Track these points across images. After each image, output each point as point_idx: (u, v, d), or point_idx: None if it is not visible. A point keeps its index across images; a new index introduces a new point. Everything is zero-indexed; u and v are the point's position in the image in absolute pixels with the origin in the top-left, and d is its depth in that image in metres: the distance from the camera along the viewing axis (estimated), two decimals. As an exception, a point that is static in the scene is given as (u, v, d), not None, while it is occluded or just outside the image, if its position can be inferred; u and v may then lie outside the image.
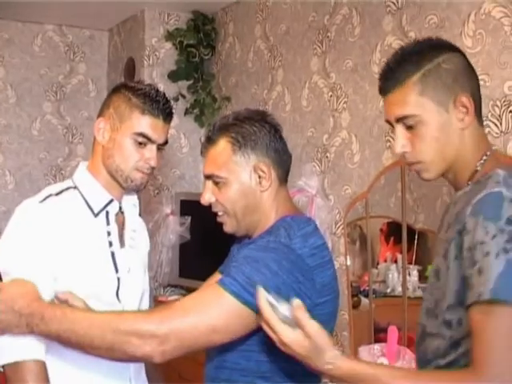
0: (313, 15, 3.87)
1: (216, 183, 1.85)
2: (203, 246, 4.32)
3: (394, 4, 3.28)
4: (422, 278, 3.09)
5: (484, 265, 1.38)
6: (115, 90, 2.01)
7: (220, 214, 1.88)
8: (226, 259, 2.09)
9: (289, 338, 1.46)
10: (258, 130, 1.84)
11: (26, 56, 5.37)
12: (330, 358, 1.46)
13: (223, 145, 1.84)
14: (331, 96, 3.69)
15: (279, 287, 1.63)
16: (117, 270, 1.97)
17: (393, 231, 3.33)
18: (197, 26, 4.90)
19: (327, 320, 1.73)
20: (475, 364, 1.37)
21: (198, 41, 4.90)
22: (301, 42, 3.97)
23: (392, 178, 3.16)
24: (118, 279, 1.96)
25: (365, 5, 3.48)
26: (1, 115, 5.28)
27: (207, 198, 1.86)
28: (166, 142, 1.99)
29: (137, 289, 2.06)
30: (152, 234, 2.92)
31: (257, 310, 1.55)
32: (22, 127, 5.35)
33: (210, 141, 1.87)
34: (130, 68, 5.13)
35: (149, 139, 1.93)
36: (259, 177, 1.83)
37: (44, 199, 1.90)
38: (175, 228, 4.41)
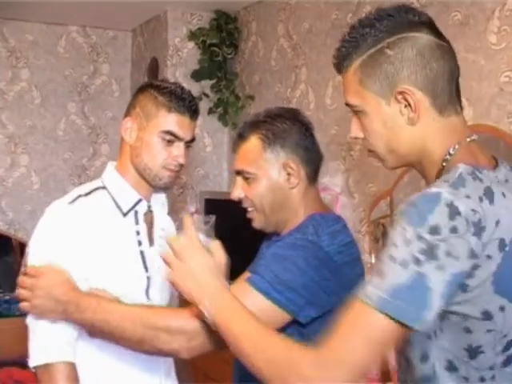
0: (336, 13, 3.87)
1: (246, 179, 1.89)
2: (228, 245, 4.31)
3: (418, 1, 3.27)
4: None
5: (386, 269, 1.24)
6: (141, 90, 2.02)
7: (250, 209, 1.92)
8: (256, 258, 2.09)
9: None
10: (289, 127, 1.86)
11: (50, 57, 5.42)
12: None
13: (254, 141, 1.87)
14: (355, 94, 3.68)
15: (307, 284, 1.66)
16: (146, 269, 1.98)
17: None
18: (219, 25, 4.91)
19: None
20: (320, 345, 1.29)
21: (221, 40, 4.91)
22: (324, 40, 3.97)
23: (416, 175, 3.13)
24: (148, 278, 1.97)
25: (388, 3, 3.46)
26: (26, 116, 5.33)
27: (237, 193, 1.93)
28: (193, 139, 2.00)
29: (166, 288, 2.07)
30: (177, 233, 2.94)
31: (285, 308, 1.58)
32: (47, 128, 5.40)
33: (241, 137, 1.92)
34: (154, 68, 5.16)
35: (176, 137, 1.94)
36: (288, 174, 1.85)
37: (73, 200, 1.93)
38: (200, 227, 4.42)
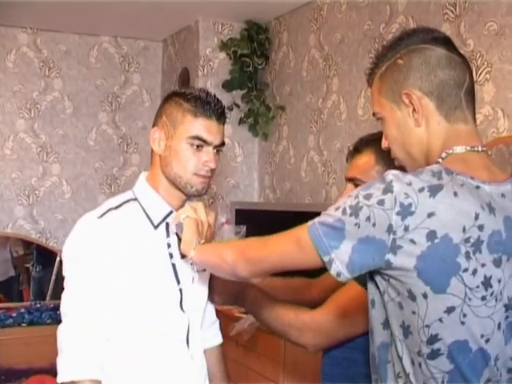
0: (368, 24, 3.86)
1: (356, 186, 1.99)
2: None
3: (452, 12, 3.26)
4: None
5: (328, 209, 1.49)
6: (166, 99, 2.01)
7: None
8: None
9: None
10: None
11: (82, 67, 5.47)
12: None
13: (368, 155, 2.02)
14: (388, 105, 3.67)
15: None
16: (178, 282, 1.96)
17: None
18: (250, 35, 4.93)
19: None
20: None
21: (252, 50, 4.92)
22: (356, 50, 3.96)
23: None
24: (181, 290, 1.95)
25: (422, 13, 3.46)
26: (58, 126, 5.37)
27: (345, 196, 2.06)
28: (222, 144, 1.97)
29: (201, 299, 2.06)
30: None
31: None
32: (79, 137, 5.44)
33: (357, 150, 2.07)
34: (185, 78, 5.18)
35: (204, 141, 1.91)
36: None
37: (103, 214, 1.91)
38: (230, 237, 4.41)
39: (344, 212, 1.41)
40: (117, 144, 5.57)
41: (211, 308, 2.22)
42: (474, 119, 1.57)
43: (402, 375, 1.46)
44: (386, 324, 1.49)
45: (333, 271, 1.42)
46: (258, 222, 4.41)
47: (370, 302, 1.53)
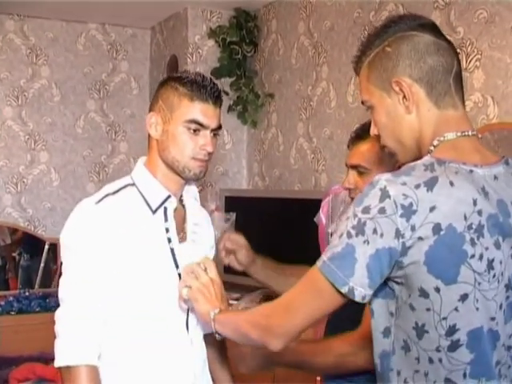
0: (358, 11, 3.87)
1: (360, 173, 2.06)
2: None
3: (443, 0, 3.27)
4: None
5: (332, 240, 1.47)
6: (162, 83, 2.01)
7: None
8: None
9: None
10: None
11: (70, 55, 5.44)
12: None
13: (373, 142, 1.96)
14: (377, 92, 3.68)
15: None
16: (177, 266, 1.97)
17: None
18: (239, 23, 4.92)
19: None
20: None
21: (241, 38, 4.92)
22: (346, 38, 3.97)
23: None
24: (179, 275, 1.96)
25: (411, 1, 3.47)
26: (46, 113, 5.35)
27: (349, 184, 2.10)
28: (219, 127, 1.98)
29: None
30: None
31: None
32: (67, 125, 5.42)
33: (359, 137, 2.08)
34: (173, 65, 5.17)
35: (201, 125, 1.91)
36: None
37: (100, 200, 1.92)
38: (220, 224, 4.42)
39: (349, 235, 1.41)
40: (105, 132, 5.56)
41: None
42: (463, 104, 1.58)
43: (409, 381, 1.47)
44: (387, 332, 1.49)
45: (357, 298, 1.42)
46: (248, 209, 4.43)
47: (370, 312, 1.52)
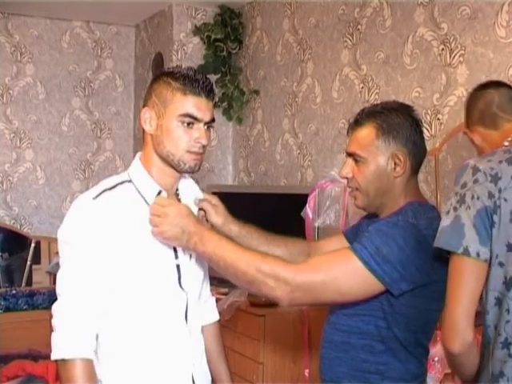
0: (342, 8, 3.91)
1: (356, 161, 2.04)
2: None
3: (426, -5, 3.32)
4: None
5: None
6: (155, 79, 2.02)
7: (353, 189, 2.09)
8: (353, 226, 2.32)
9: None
10: (402, 121, 2.02)
11: (54, 52, 5.45)
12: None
13: (369, 129, 2.02)
14: (362, 87, 3.73)
15: (402, 261, 1.85)
16: (176, 257, 2.00)
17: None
18: (224, 20, 4.95)
19: (439, 297, 1.91)
20: None
21: (226, 35, 4.95)
22: (331, 34, 4.01)
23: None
24: (178, 266, 1.99)
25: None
26: (31, 111, 5.36)
27: (345, 172, 2.07)
28: (213, 120, 1.99)
29: (199, 275, 2.10)
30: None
31: (381, 279, 1.84)
32: (52, 123, 5.43)
33: (357, 123, 2.06)
34: (159, 63, 5.19)
35: (195, 118, 1.93)
36: (395, 163, 2.01)
37: (98, 195, 1.93)
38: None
39: (455, 209, 1.78)
40: (90, 129, 5.57)
41: (206, 285, 2.26)
42: None
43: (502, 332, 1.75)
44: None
45: (473, 254, 1.73)
46: (234, 204, 4.45)
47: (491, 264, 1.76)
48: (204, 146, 1.96)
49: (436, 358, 2.45)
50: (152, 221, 1.92)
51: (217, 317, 2.32)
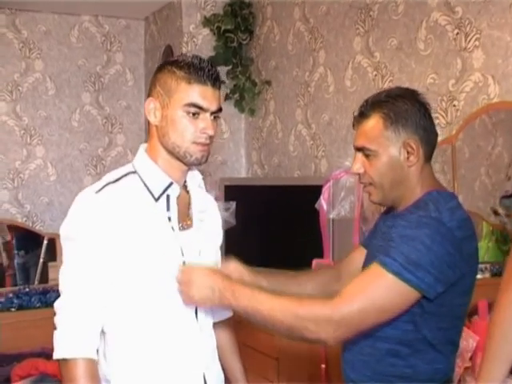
0: (354, -6, 3.82)
1: (366, 156, 1.95)
2: (249, 232, 4.29)
3: (440, -21, 3.22)
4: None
5: None
6: (159, 68, 1.95)
7: (366, 185, 1.99)
8: (372, 233, 2.20)
9: None
10: (410, 108, 1.92)
11: (63, 48, 5.39)
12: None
13: (376, 120, 1.92)
14: (376, 75, 3.64)
15: (433, 261, 1.75)
16: (182, 254, 1.93)
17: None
18: (234, 10, 4.87)
19: (470, 290, 1.88)
20: None
21: (236, 26, 4.87)
22: (342, 22, 3.92)
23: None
24: (184, 263, 1.92)
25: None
26: (41, 107, 5.30)
27: (356, 168, 1.97)
28: (220, 109, 1.92)
29: None
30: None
31: (417, 287, 1.74)
32: (62, 119, 5.38)
33: (362, 115, 1.96)
34: (169, 55, 5.12)
35: (200, 108, 1.86)
36: (407, 152, 1.92)
37: (101, 189, 1.87)
38: (220, 213, 4.38)
39: None
40: (101, 124, 5.52)
41: None
42: None
43: None
44: None
45: None
46: (248, 197, 4.39)
47: None
48: (211, 137, 1.89)
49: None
50: (180, 291, 1.88)
51: (230, 313, 2.25)
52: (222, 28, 4.87)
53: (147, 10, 5.44)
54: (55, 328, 1.83)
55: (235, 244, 4.45)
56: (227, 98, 4.94)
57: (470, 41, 3.05)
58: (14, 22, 5.22)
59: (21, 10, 5.20)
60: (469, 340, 2.55)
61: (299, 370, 3.36)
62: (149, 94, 1.94)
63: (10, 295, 4.68)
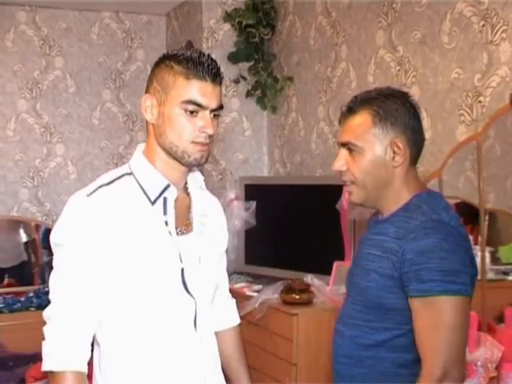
0: (377, -13, 3.69)
1: (350, 151, 1.90)
2: (270, 232, 4.20)
3: (465, -31, 3.08)
4: (494, 259, 2.93)
5: None
6: (157, 63, 1.83)
7: (347, 183, 1.94)
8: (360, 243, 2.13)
9: None
10: (399, 107, 1.89)
11: (83, 45, 5.33)
12: None
13: (364, 116, 1.88)
14: (399, 70, 3.51)
15: (454, 262, 1.75)
16: (180, 261, 1.82)
17: (462, 212, 3.16)
18: (255, 5, 4.75)
19: (473, 285, 1.83)
20: None
21: (258, 20, 4.74)
22: (364, 15, 3.79)
23: (460, 156, 2.99)
24: (182, 270, 1.81)
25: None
26: (61, 105, 5.25)
27: (338, 165, 1.93)
28: (220, 107, 1.80)
29: (209, 278, 1.91)
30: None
31: (464, 292, 1.74)
32: (83, 116, 5.32)
33: (351, 111, 1.92)
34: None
35: (199, 105, 1.74)
36: (394, 152, 1.88)
37: (93, 192, 1.76)
38: (240, 213, 4.29)
39: None
40: (122, 122, 5.45)
41: (224, 286, 2.11)
42: None
43: None
44: None
45: None
46: (268, 197, 4.29)
47: None
48: (210, 136, 1.77)
49: (479, 363, 2.25)
50: None
51: (237, 320, 2.16)
52: (244, 23, 4.75)
53: (168, 5, 5.35)
54: (43, 338, 1.73)
55: (255, 244, 4.37)
56: (248, 94, 4.84)
57: (496, 33, 2.91)
58: (35, 19, 5.18)
59: (41, 6, 5.16)
60: (493, 350, 2.41)
61: (317, 375, 3.25)
62: (146, 91, 1.83)
63: (31, 294, 4.66)
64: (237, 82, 4.82)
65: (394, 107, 1.87)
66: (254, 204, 4.28)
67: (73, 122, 5.28)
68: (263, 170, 5.00)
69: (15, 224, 5.16)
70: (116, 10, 5.40)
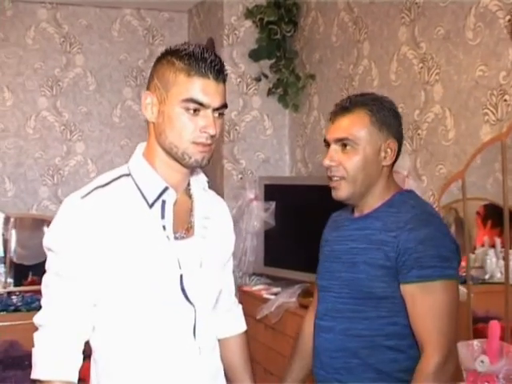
0: (400, -18, 3.59)
1: (344, 146, 1.97)
2: (289, 233, 4.11)
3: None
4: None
5: None
6: (159, 59, 1.76)
7: (335, 179, 1.99)
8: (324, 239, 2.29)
9: None
10: (393, 114, 2.03)
11: (104, 42, 5.30)
12: None
13: (362, 114, 1.97)
14: (422, 68, 3.40)
15: (447, 249, 1.90)
16: (179, 266, 1.73)
17: (490, 214, 3.06)
18: (277, 1, 4.66)
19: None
20: None
21: (279, 17, 4.66)
22: (387, 10, 3.69)
23: (488, 157, 2.87)
24: (181, 276, 1.72)
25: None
26: (81, 103, 5.22)
27: (330, 160, 1.99)
28: (223, 106, 1.71)
29: (211, 285, 1.83)
30: (235, 221, 2.66)
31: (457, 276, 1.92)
32: (103, 114, 5.29)
33: (346, 109, 2.00)
34: (210, 49, 4.95)
35: (201, 104, 1.66)
36: (385, 152, 1.99)
37: (88, 193, 1.68)
38: (259, 214, 4.22)
39: None
40: (143, 120, 5.37)
41: (229, 291, 2.02)
42: None
43: None
44: None
45: None
46: (288, 198, 4.21)
47: None
48: (212, 137, 1.68)
49: (501, 375, 2.14)
50: None
51: (243, 327, 2.08)
52: (265, 20, 4.66)
53: (190, 2, 5.30)
54: (33, 345, 1.66)
55: (274, 245, 4.28)
56: (270, 92, 4.76)
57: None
58: (55, 17, 5.15)
59: (62, 4, 5.14)
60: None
61: None
62: (147, 87, 1.75)
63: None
64: (258, 79, 4.74)
65: (390, 114, 2.00)
66: (273, 204, 4.20)
67: (93, 119, 5.25)
68: (285, 169, 4.90)
69: (39, 222, 5.14)
70: (137, 7, 5.35)
